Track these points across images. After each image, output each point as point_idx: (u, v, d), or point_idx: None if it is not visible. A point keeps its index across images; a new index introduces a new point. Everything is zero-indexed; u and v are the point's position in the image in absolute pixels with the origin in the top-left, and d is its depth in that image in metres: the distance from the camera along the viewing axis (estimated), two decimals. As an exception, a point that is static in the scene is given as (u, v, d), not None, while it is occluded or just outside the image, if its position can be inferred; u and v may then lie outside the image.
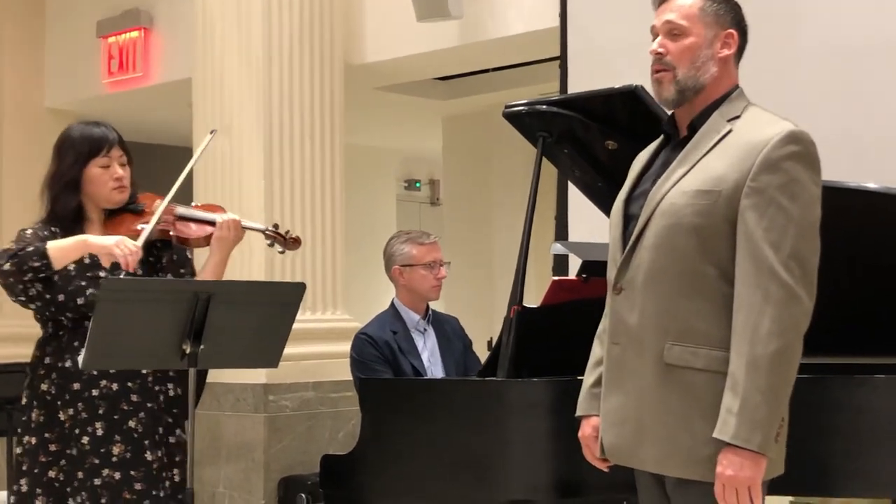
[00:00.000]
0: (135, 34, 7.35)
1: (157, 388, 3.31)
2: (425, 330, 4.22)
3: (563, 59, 5.50)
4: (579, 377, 2.68)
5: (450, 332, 4.30)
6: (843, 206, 3.06)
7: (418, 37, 6.19)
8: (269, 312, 3.19)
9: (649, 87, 2.59)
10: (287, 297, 3.24)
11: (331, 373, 5.72)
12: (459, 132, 8.83)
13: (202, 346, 3.08)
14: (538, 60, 6.61)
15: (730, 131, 2.39)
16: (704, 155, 2.39)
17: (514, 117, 3.51)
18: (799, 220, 2.29)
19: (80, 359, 3.08)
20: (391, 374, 4.04)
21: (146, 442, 3.25)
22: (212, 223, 3.38)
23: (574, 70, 5.42)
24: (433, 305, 4.39)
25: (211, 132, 3.40)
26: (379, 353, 4.07)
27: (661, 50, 2.45)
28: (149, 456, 3.24)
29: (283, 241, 3.48)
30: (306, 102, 5.96)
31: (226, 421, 5.71)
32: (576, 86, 5.30)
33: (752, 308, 2.27)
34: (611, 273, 2.49)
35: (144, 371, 3.28)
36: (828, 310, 3.35)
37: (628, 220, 2.48)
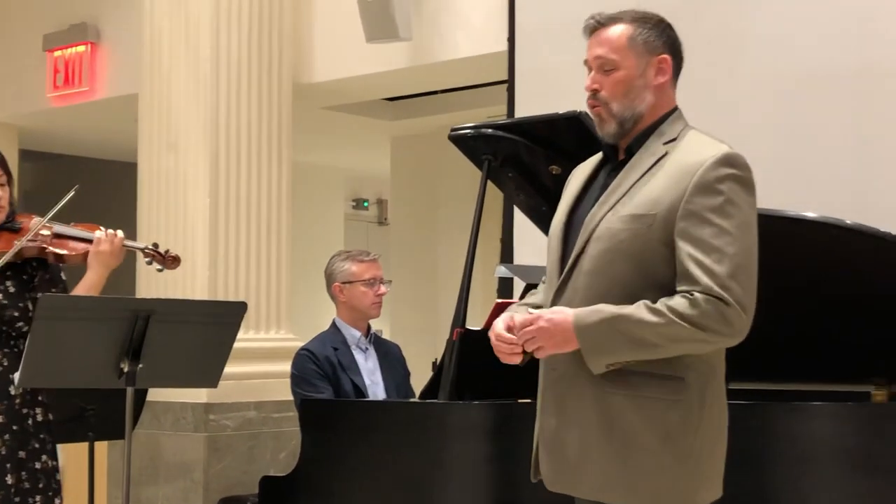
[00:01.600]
0: (81, 48, 7.28)
1: (24, 411, 3.26)
2: (367, 348, 4.23)
3: (510, 82, 5.54)
4: (520, 401, 2.69)
5: (392, 356, 4.31)
6: (781, 233, 3.11)
7: (367, 57, 6.19)
8: (209, 331, 3.17)
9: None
10: (228, 317, 3.22)
11: (273, 392, 5.68)
12: (407, 153, 8.83)
13: (140, 365, 3.06)
14: (486, 83, 6.64)
15: (665, 154, 2.39)
16: (640, 178, 2.39)
17: (459, 140, 3.53)
18: (735, 241, 2.28)
19: (17, 376, 3.06)
20: (331, 391, 4.04)
21: (7, 465, 3.20)
22: (89, 241, 3.36)
23: (521, 93, 5.45)
24: (377, 325, 4.40)
25: (74, 189, 3.39)
26: (319, 368, 4.07)
27: (595, 86, 2.44)
28: (9, 479, 3.19)
29: (162, 259, 3.46)
30: (254, 120, 5.94)
31: (165, 440, 5.64)
32: (523, 109, 5.33)
33: (686, 312, 2.26)
34: (548, 296, 2.49)
35: (13, 393, 3.23)
36: (765, 336, 3.41)
37: (566, 244, 2.47)
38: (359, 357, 4.18)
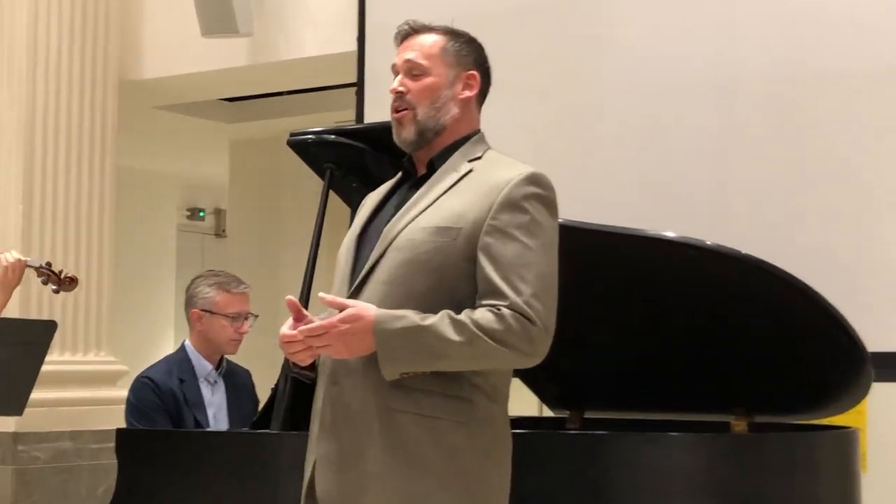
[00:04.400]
0: None
1: None
2: (216, 382, 4.15)
3: (359, 85, 5.54)
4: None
5: (240, 387, 4.23)
6: (637, 254, 3.19)
7: (203, 53, 6.13)
8: (12, 353, 3.09)
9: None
10: (34, 337, 3.15)
11: (92, 421, 5.55)
12: (248, 158, 8.78)
13: (-66, 391, 2.95)
14: (334, 86, 6.64)
15: (470, 171, 2.49)
16: (444, 193, 2.47)
17: (299, 146, 3.51)
18: (539, 261, 2.39)
19: None
20: (170, 426, 3.94)
21: None
22: None
23: (371, 97, 5.45)
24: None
25: None
26: (160, 401, 3.97)
27: (401, 88, 2.54)
28: None
29: (59, 280, 3.46)
30: (74, 120, 5.83)
31: (-33, 474, 5.46)
32: (373, 114, 5.33)
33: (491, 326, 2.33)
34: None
35: None
36: (623, 364, 3.48)
37: (359, 256, 2.53)
38: (206, 391, 4.11)
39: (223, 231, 11.15)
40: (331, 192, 3.50)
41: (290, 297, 2.46)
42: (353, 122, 5.43)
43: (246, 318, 4.16)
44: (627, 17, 4.74)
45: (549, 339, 2.39)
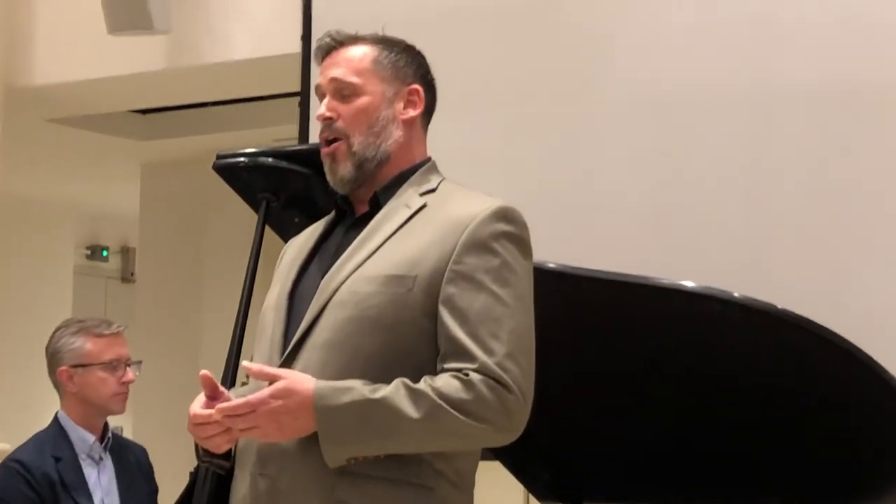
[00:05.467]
0: None
1: None
2: (101, 459, 4.13)
3: (303, 95, 5.51)
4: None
5: (134, 466, 4.22)
6: (649, 309, 3.19)
7: (109, 55, 6.14)
8: None
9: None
10: None
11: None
12: (163, 184, 8.79)
13: None
14: (272, 95, 6.63)
15: (424, 206, 2.51)
16: (394, 233, 2.48)
17: (227, 171, 3.50)
18: (513, 314, 2.40)
19: None
20: (45, 519, 3.92)
21: None
22: None
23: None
24: (117, 421, 4.27)
25: None
26: (32, 489, 3.94)
27: (329, 114, 2.55)
28: None
29: None
30: (-53, 135, 5.80)
31: None
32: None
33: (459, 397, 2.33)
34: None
35: None
36: (628, 445, 3.46)
37: (291, 315, 2.52)
38: (90, 471, 4.08)
39: (131, 275, 11.14)
40: (266, 227, 3.48)
41: (204, 371, 2.44)
42: (296, 141, 5.41)
43: (128, 365, 4.14)
44: (633, 15, 4.74)
45: (527, 408, 2.39)
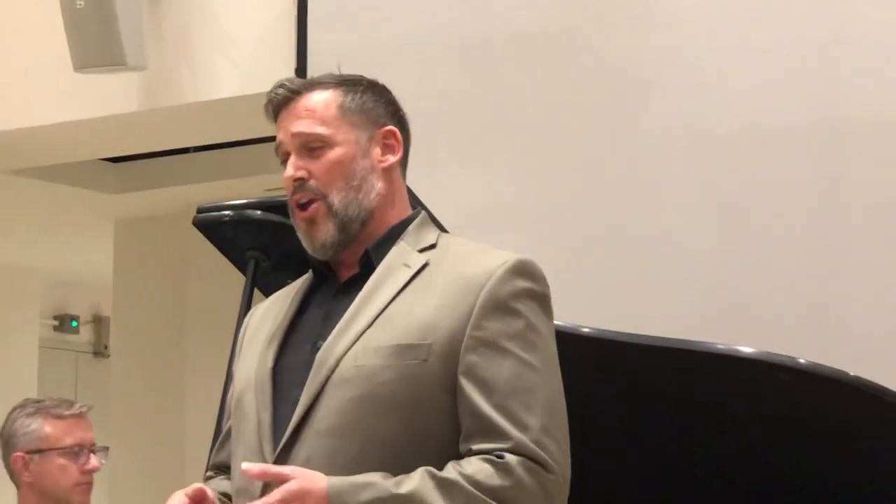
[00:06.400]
0: None
1: None
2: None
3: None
4: None
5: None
6: (697, 377, 3.22)
7: (77, 96, 6.16)
8: None
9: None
10: None
11: None
12: (139, 243, 8.83)
13: None
14: (261, 138, 6.62)
15: (426, 264, 2.51)
16: (396, 296, 2.48)
17: (211, 226, 3.53)
18: (544, 382, 2.42)
19: None
20: None
21: None
22: None
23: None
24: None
25: None
26: None
27: (300, 174, 2.54)
28: None
29: None
30: None
31: None
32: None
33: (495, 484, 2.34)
34: (241, 482, 2.47)
35: None
36: None
37: (278, 398, 2.50)
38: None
39: (105, 348, 11.17)
40: (255, 290, 3.49)
41: (198, 485, 2.47)
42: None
43: (92, 451, 4.16)
44: (679, 43, 4.74)
45: (566, 487, 2.41)
